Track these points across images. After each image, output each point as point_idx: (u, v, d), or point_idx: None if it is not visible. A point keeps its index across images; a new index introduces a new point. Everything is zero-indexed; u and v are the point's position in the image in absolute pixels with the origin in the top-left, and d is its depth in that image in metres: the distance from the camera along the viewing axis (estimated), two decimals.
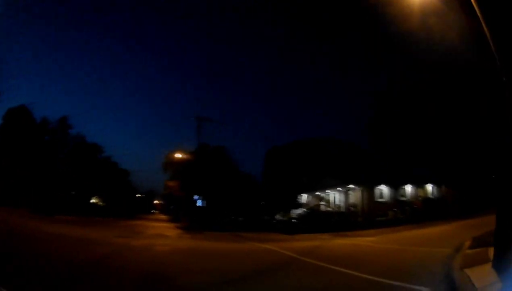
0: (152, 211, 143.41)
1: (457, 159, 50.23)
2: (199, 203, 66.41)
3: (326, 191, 61.84)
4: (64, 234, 25.72)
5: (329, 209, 57.21)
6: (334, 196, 60.48)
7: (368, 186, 52.50)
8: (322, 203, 61.44)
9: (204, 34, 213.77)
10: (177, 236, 35.93)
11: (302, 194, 68.68)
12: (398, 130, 53.82)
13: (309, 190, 66.77)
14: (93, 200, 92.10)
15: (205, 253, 21.85)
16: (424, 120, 51.02)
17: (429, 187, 56.04)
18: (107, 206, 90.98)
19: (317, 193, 64.71)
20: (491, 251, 11.47)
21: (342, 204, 56.82)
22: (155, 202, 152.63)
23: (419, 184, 55.35)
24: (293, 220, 48.80)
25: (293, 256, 19.10)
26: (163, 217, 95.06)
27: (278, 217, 55.71)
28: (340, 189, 57.38)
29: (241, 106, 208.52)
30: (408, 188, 54.80)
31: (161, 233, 37.35)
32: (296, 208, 57.83)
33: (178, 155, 59.12)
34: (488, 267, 10.28)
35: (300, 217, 49.57)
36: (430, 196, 55.03)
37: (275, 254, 20.82)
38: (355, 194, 54.29)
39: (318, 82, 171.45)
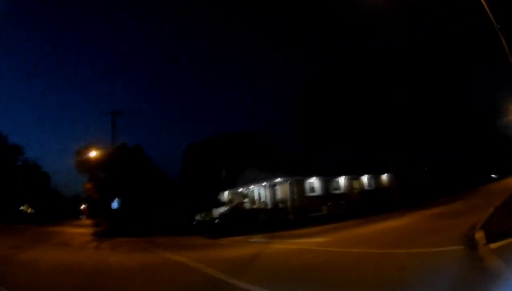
0: (80, 216, 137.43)
1: (400, 147, 46.89)
2: (115, 205, 61.84)
3: (250, 186, 56.86)
4: None
5: (254, 206, 52.01)
6: (259, 192, 55.45)
7: (298, 179, 47.94)
8: (245, 200, 56.40)
9: (119, 28, 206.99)
10: (81, 245, 30.44)
11: (223, 192, 63.69)
12: (328, 118, 49.17)
13: (231, 187, 61.72)
14: (22, 208, 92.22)
15: (95, 273, 15.01)
16: (358, 106, 46.97)
17: (365, 178, 53.43)
18: (36, 213, 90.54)
19: (240, 190, 59.69)
20: None
21: (268, 201, 51.89)
22: (82, 206, 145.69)
23: (354, 175, 52.35)
24: (215, 221, 44.57)
25: (219, 277, 11.69)
26: (88, 222, 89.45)
27: (198, 217, 52.27)
28: (265, 183, 52.38)
29: (162, 103, 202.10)
30: (342, 180, 51.32)
31: (66, 241, 32.45)
32: (218, 206, 53.79)
33: (92, 154, 53.28)
34: None
35: (223, 216, 45.26)
36: (367, 188, 52.27)
37: (191, 274, 13.60)
38: (282, 189, 49.82)
39: (239, 74, 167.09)
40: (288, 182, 47.74)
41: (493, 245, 10.14)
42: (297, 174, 48.07)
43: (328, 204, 45.35)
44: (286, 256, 16.67)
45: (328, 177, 50.00)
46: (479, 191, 41.52)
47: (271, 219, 41.45)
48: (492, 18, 14.16)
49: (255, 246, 22.60)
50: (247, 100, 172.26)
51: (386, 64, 43.36)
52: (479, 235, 11.95)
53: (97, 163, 56.67)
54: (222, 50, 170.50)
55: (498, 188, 40.65)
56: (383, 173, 53.34)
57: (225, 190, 63.26)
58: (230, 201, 58.90)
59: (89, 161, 57.27)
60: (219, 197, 63.08)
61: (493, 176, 70.45)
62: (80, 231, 52.50)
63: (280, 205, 47.75)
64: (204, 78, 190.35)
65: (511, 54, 13.82)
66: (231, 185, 60.86)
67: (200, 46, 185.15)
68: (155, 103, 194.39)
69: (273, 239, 25.15)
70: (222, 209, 50.67)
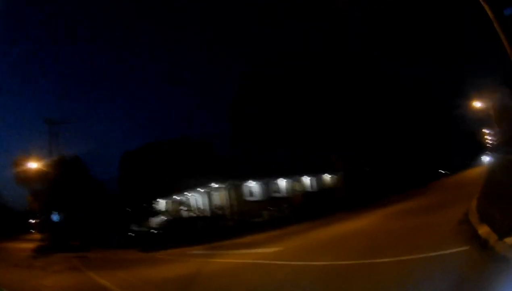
0: (32, 230, 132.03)
1: (344, 146, 45.27)
2: (55, 218, 59.26)
3: (187, 194, 53.97)
4: None
5: (192, 214, 49.30)
6: (196, 199, 52.87)
7: (235, 183, 45.71)
8: (183, 208, 53.39)
9: (49, 32, 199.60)
10: (17, 263, 28.20)
11: (160, 200, 60.06)
12: (265, 117, 47.03)
13: (167, 195, 58.13)
14: None
15: None
16: (298, 103, 45.12)
17: (307, 180, 51.38)
18: None
19: (177, 197, 56.42)
20: None
21: (206, 208, 49.48)
22: (32, 220, 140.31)
23: (295, 177, 50.20)
24: (152, 231, 44.07)
25: None
26: (38, 236, 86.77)
27: (135, 228, 50.57)
28: (202, 189, 49.81)
29: (100, 110, 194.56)
30: (283, 183, 49.29)
31: (5, 258, 31.19)
32: (156, 216, 52.43)
33: (30, 165, 49.81)
34: None
35: (160, 226, 44.62)
36: (310, 189, 50.35)
37: None
38: (220, 194, 47.48)
39: (178, 77, 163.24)
40: (225, 187, 45.53)
41: (510, 240, 8.01)
42: (234, 178, 45.76)
43: (268, 208, 43.43)
44: (232, 275, 13.37)
45: (267, 180, 47.88)
46: (432, 187, 39.82)
47: (210, 228, 39.17)
48: None
49: (194, 261, 19.63)
50: (186, 104, 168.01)
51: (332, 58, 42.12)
52: (484, 230, 9.66)
53: (36, 175, 53.28)
54: (158, 54, 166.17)
55: (452, 183, 39.54)
56: (326, 173, 51.91)
57: (162, 198, 59.67)
58: (167, 210, 56.36)
59: (27, 172, 53.94)
60: (156, 206, 59.55)
61: (442, 171, 70.40)
62: (26, 246, 49.55)
63: (219, 212, 45.39)
64: (141, 84, 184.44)
65: (496, 20, 13.01)
66: (168, 192, 57.41)
67: (136, 50, 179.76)
68: (94, 111, 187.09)
69: (215, 251, 22.30)
70: (160, 218, 49.44)
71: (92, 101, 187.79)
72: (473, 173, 47.62)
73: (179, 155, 65.73)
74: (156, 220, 49.15)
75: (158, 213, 55.60)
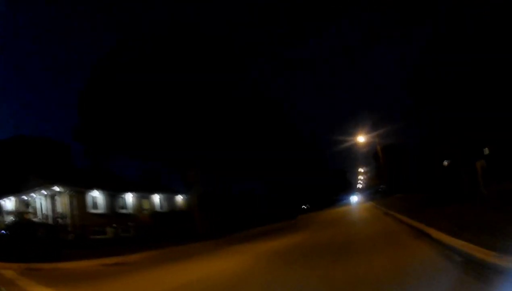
0: None
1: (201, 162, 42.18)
2: None
3: (32, 194, 48.06)
4: None
5: (35, 219, 43.26)
6: (41, 202, 46.74)
7: (78, 190, 41.57)
8: (29, 210, 47.84)
9: None
10: None
11: (11, 197, 53.15)
12: (114, 117, 42.30)
13: (17, 193, 51.71)
14: None
15: None
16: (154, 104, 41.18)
17: (157, 198, 48.19)
18: None
19: (24, 197, 50.36)
20: None
21: (49, 213, 44.00)
22: None
23: (144, 193, 46.98)
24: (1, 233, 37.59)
25: None
26: None
27: None
28: (46, 192, 44.24)
29: None
30: (130, 198, 45.57)
31: None
32: (8, 214, 47.03)
33: None
34: None
35: (9, 228, 37.71)
36: (159, 209, 47.47)
37: None
38: (63, 201, 42.14)
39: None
40: (68, 193, 41.14)
41: None
42: (78, 185, 42.02)
43: (113, 225, 39.89)
44: None
45: (113, 192, 44.41)
46: (304, 220, 38.88)
47: (49, 239, 32.91)
48: None
49: None
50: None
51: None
52: None
53: None
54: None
55: (324, 219, 37.09)
56: (181, 193, 49.75)
57: (13, 195, 52.85)
58: (16, 210, 50.28)
59: None
60: (4, 203, 53.82)
61: (306, 206, 71.15)
62: None
63: (60, 220, 40.65)
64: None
65: None
66: (18, 190, 51.38)
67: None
68: None
69: (22, 280, 14.09)
70: (9, 219, 43.80)
71: None
72: (344, 210, 46.68)
73: (35, 151, 62.05)
74: (6, 220, 43.73)
75: (4, 212, 50.27)
